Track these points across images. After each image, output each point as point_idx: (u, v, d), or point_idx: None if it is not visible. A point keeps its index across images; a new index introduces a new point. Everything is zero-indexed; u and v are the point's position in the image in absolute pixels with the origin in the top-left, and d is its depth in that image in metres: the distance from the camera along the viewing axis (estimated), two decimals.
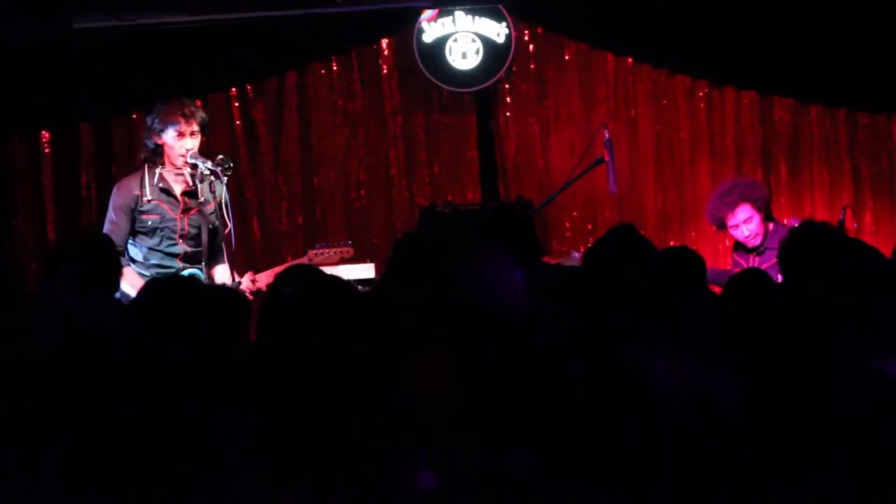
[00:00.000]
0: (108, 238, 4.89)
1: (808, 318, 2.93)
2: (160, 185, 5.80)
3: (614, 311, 3.39)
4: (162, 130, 5.76)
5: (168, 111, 5.76)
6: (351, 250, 6.17)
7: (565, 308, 3.60)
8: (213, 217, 5.86)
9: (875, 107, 7.70)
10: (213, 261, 5.93)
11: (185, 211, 5.83)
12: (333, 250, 6.13)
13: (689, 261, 4.47)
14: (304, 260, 6.09)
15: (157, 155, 5.82)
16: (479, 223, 5.18)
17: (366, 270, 6.27)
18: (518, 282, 3.61)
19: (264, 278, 5.71)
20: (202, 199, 5.81)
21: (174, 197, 5.82)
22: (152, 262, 5.77)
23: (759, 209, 6.48)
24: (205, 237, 5.86)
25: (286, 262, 6.49)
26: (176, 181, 5.84)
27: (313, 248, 6.18)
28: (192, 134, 5.77)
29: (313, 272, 3.41)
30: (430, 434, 2.94)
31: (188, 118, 5.75)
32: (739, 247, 6.63)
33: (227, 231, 5.69)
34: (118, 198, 5.83)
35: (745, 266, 6.32)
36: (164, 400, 2.67)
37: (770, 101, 7.79)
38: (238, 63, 7.83)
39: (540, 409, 2.70)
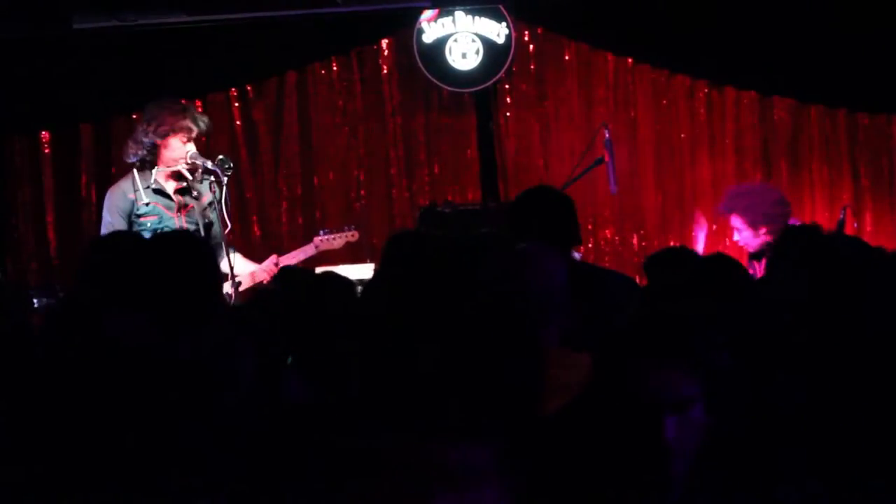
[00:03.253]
0: None
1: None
2: (154, 186, 5.76)
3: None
4: (167, 134, 5.66)
5: (177, 115, 5.66)
6: (356, 234, 6.20)
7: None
8: (206, 212, 5.81)
9: (875, 107, 7.70)
10: None
11: (181, 209, 5.79)
12: (339, 235, 6.15)
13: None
14: (310, 246, 6.12)
15: (153, 155, 5.76)
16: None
17: (366, 270, 6.27)
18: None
19: (288, 261, 5.77)
20: (195, 195, 5.79)
21: (168, 196, 5.77)
22: None
23: (749, 222, 6.36)
24: (202, 234, 5.84)
25: None
26: (168, 180, 5.76)
27: (318, 234, 6.20)
28: (196, 137, 5.78)
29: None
30: None
31: (196, 122, 5.73)
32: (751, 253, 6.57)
33: (227, 231, 5.68)
34: (113, 202, 5.72)
35: (758, 270, 6.30)
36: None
37: (770, 101, 7.79)
38: (238, 63, 7.84)
39: None
